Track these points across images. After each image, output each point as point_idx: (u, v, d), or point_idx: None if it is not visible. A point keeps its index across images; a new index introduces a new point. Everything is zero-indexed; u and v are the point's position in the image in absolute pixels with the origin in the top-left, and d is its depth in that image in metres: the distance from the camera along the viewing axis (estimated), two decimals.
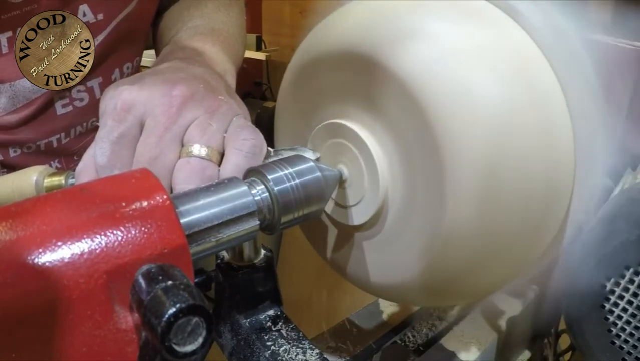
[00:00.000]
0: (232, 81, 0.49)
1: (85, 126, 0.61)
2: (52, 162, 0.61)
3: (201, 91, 0.38)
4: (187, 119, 0.37)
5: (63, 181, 0.39)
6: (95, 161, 0.36)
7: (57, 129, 0.59)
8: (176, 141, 0.36)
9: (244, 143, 0.36)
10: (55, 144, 0.59)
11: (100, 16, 0.54)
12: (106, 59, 0.58)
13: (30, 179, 0.40)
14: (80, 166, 0.38)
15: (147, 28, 0.66)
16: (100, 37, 0.55)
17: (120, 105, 0.36)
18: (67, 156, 0.62)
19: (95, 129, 0.61)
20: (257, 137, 0.37)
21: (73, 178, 0.39)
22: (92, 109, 0.60)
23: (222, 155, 0.37)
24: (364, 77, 0.36)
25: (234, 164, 0.36)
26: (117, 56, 0.60)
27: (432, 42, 0.33)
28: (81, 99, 0.58)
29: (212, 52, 0.50)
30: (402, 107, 0.34)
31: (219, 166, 0.36)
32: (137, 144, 0.36)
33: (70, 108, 0.58)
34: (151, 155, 0.35)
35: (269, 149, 0.39)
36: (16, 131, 0.56)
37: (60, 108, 0.57)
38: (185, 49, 0.49)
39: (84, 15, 0.53)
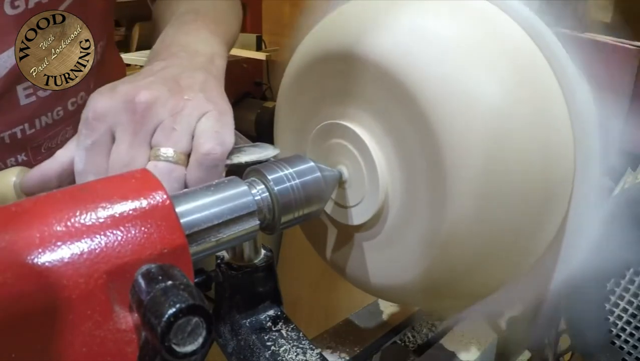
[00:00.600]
0: (220, 63, 0.49)
1: (50, 116, 0.61)
2: (18, 156, 0.60)
3: (165, 94, 0.39)
4: (152, 124, 0.39)
5: None
6: (75, 168, 0.39)
7: (21, 119, 0.59)
8: (144, 145, 0.39)
9: (204, 158, 0.38)
10: (19, 135, 0.59)
11: None
12: None
13: (9, 182, 0.41)
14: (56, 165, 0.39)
15: (108, 10, 0.65)
16: None
17: (91, 115, 0.38)
18: (33, 148, 0.61)
19: (61, 119, 0.61)
20: (216, 149, 0.38)
21: None
22: (57, 99, 0.60)
23: (189, 154, 0.39)
24: (362, 77, 0.36)
25: (196, 177, 0.38)
26: None
27: (429, 41, 0.33)
28: (45, 90, 0.58)
29: (196, 40, 0.50)
30: (400, 107, 0.34)
31: (186, 166, 0.39)
32: (111, 152, 0.39)
33: (34, 98, 0.58)
34: (123, 161, 0.38)
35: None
36: None
37: (23, 98, 0.58)
38: (172, 46, 0.49)
39: None
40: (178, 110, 0.39)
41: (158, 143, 0.38)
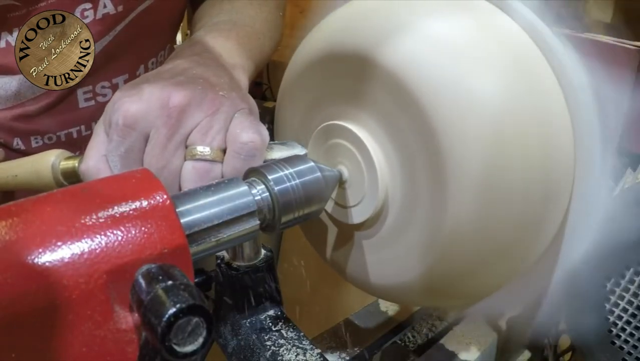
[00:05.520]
0: (241, 74, 0.49)
1: None
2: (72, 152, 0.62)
3: (199, 93, 0.39)
4: (187, 127, 0.38)
5: (77, 164, 0.41)
6: (110, 174, 0.38)
7: (78, 121, 0.60)
8: (180, 148, 0.38)
9: (243, 147, 0.37)
10: (75, 135, 0.61)
11: (120, 8, 0.56)
12: (127, 52, 0.59)
13: (47, 162, 0.42)
14: (92, 165, 0.39)
15: (173, 23, 0.66)
16: (118, 28, 0.57)
17: (122, 121, 0.37)
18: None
19: None
20: (256, 138, 0.38)
21: None
22: None
23: (225, 150, 0.38)
24: (362, 77, 0.36)
25: (232, 168, 0.37)
26: (139, 51, 0.61)
27: (429, 40, 0.33)
28: (104, 95, 0.60)
29: (222, 48, 0.50)
30: (400, 107, 0.34)
31: (222, 162, 0.38)
32: (144, 155, 0.38)
33: (93, 102, 0.60)
34: (158, 165, 0.37)
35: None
36: (37, 120, 0.58)
37: (83, 101, 0.59)
38: (196, 46, 0.49)
39: (105, 7, 0.55)
40: (215, 108, 0.38)
41: (194, 142, 0.38)
